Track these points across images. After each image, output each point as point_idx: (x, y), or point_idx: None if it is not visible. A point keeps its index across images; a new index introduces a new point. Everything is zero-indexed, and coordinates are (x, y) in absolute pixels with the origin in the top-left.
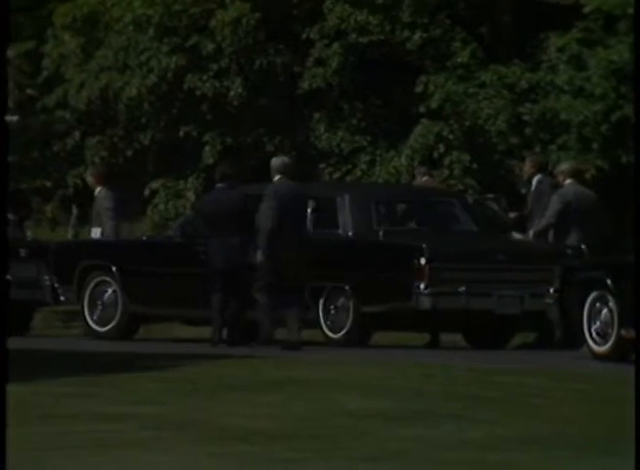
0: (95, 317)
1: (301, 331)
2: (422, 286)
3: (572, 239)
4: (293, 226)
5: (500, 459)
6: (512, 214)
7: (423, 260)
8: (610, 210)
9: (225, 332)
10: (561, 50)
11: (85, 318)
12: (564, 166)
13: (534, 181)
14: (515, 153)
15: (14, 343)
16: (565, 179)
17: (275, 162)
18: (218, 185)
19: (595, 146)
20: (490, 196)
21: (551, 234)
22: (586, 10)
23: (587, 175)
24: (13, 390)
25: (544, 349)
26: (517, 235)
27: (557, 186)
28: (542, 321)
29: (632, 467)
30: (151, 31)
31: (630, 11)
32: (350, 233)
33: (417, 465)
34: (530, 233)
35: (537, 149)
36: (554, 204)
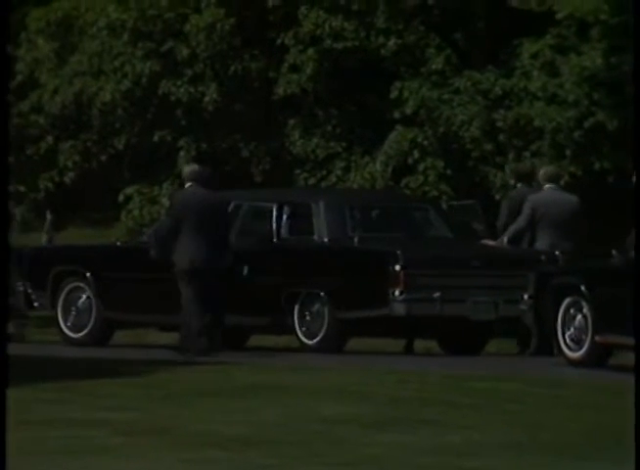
0: (69, 323)
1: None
2: (397, 292)
3: (546, 245)
4: (206, 234)
5: (476, 465)
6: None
7: (397, 267)
8: (584, 216)
9: (199, 339)
10: (534, 56)
11: (59, 324)
12: (542, 171)
13: (512, 193)
14: (489, 159)
15: None
16: (543, 184)
17: (186, 169)
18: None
19: (568, 152)
20: (466, 202)
21: (526, 240)
22: (559, 16)
23: (561, 182)
24: None
25: (519, 355)
26: (489, 242)
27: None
28: (519, 328)
29: None
30: (125, 36)
31: (603, 17)
32: (325, 239)
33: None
34: (504, 239)
35: (511, 155)
36: (525, 209)
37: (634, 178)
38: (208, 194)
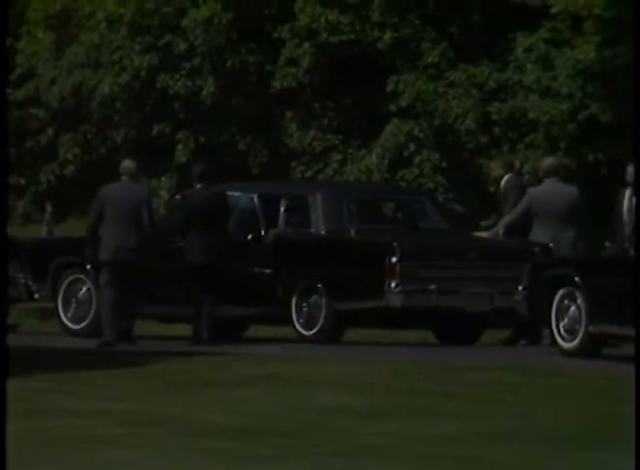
0: (69, 315)
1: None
2: (393, 284)
3: (545, 236)
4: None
5: (472, 454)
6: (484, 223)
7: (394, 259)
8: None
9: (204, 329)
10: (528, 50)
11: (60, 316)
12: (542, 164)
13: (503, 181)
14: (484, 151)
15: None
16: (544, 177)
17: (124, 164)
18: (198, 186)
19: (562, 145)
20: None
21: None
22: (553, 10)
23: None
24: None
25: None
26: (482, 234)
27: (522, 185)
28: (515, 319)
29: (602, 460)
30: (123, 30)
31: (597, 11)
32: (323, 231)
33: (389, 460)
34: (500, 230)
35: (506, 148)
36: (523, 202)
37: (629, 170)
38: (133, 187)
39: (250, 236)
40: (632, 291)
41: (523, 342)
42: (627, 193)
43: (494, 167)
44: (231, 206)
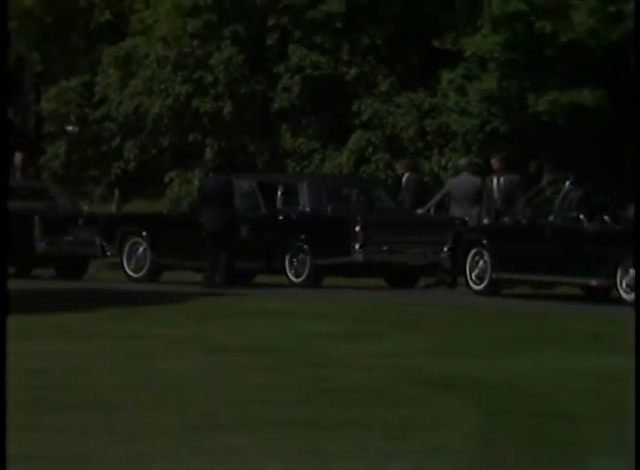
0: (131, 267)
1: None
2: (357, 246)
3: (459, 212)
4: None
5: (410, 363)
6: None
7: (357, 228)
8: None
9: (217, 277)
10: (450, 82)
11: (124, 268)
12: (459, 162)
13: (404, 179)
14: (421, 153)
15: (74, 284)
16: (460, 171)
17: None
18: (211, 174)
19: (474, 149)
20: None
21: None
22: (467, 54)
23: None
24: (64, 316)
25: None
26: (419, 211)
27: (418, 180)
28: (440, 269)
29: (504, 366)
30: (168, 67)
31: (496, 55)
32: (307, 209)
33: (352, 368)
34: (431, 207)
35: (435, 150)
36: (443, 190)
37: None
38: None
39: (263, 211)
40: (524, 248)
41: (446, 285)
42: (495, 178)
43: (398, 168)
44: (237, 190)
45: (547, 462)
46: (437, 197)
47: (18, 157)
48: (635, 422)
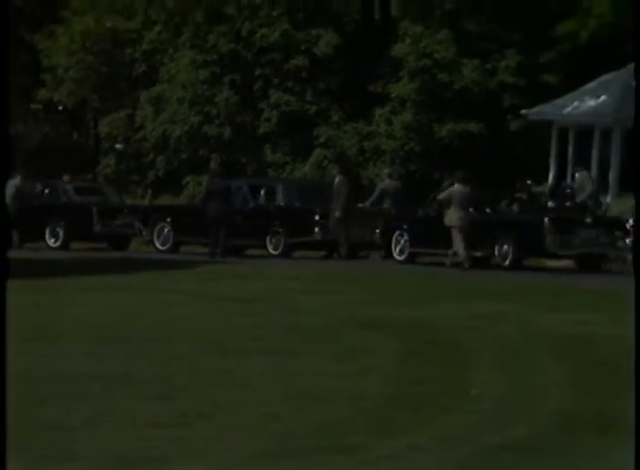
0: (159, 242)
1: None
2: (317, 229)
3: (389, 205)
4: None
5: (353, 310)
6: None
7: (317, 217)
8: (410, 195)
9: (218, 250)
10: (381, 115)
11: (154, 243)
12: (386, 170)
13: (336, 180)
14: (362, 165)
15: (120, 254)
16: (387, 177)
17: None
18: (215, 179)
19: (397, 162)
20: None
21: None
22: (392, 96)
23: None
24: (117, 277)
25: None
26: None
27: (347, 182)
28: (376, 246)
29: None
30: (186, 104)
31: (413, 96)
32: (282, 203)
33: (317, 315)
34: (368, 204)
35: (370, 163)
36: (377, 190)
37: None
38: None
39: (251, 205)
40: (432, 230)
41: (378, 257)
42: (338, 178)
43: (334, 170)
44: (232, 189)
45: (445, 373)
46: (374, 195)
47: (66, 177)
48: (635, 423)
